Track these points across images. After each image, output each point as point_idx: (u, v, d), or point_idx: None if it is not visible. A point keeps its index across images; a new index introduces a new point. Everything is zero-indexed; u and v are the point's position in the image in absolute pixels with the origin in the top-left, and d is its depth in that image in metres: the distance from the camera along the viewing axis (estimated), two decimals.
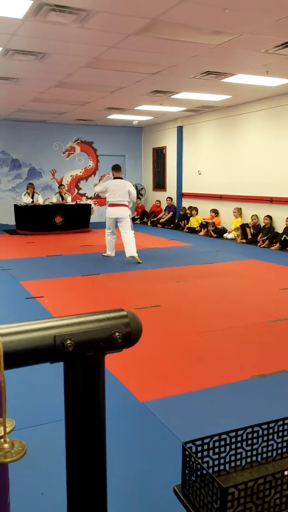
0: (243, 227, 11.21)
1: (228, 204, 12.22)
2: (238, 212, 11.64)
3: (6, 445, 0.95)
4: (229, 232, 11.68)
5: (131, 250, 8.34)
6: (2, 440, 0.95)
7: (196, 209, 13.32)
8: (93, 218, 13.93)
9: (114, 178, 8.81)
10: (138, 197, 16.26)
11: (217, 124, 12.73)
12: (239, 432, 1.45)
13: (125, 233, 8.52)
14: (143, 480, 2.34)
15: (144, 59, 7.25)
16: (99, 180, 15.68)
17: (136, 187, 16.46)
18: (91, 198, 15.76)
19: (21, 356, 0.93)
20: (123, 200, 8.62)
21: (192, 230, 12.98)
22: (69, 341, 0.96)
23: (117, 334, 1.01)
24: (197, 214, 13.24)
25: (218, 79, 8.70)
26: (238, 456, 1.45)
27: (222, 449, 1.42)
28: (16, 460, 0.94)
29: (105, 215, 9.07)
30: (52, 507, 2.11)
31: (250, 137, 11.49)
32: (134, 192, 8.79)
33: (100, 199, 15.83)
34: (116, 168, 8.89)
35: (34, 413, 2.98)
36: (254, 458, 1.49)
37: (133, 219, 15.63)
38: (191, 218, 13.33)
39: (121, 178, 8.88)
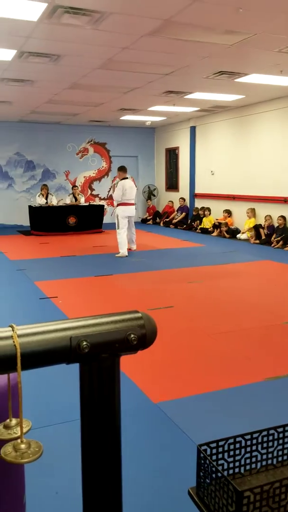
0: (257, 227, 11.15)
1: (241, 205, 12.16)
2: (252, 213, 11.57)
3: (23, 446, 0.96)
4: (243, 233, 11.62)
5: (135, 244, 9.66)
6: (19, 440, 0.96)
7: (209, 209, 13.28)
8: (106, 219, 13.96)
9: (122, 179, 9.28)
10: (150, 198, 16.30)
11: (230, 124, 12.68)
12: (255, 435, 1.44)
13: (132, 232, 9.55)
14: (157, 481, 2.34)
15: (157, 60, 7.25)
16: (112, 181, 15.72)
17: (148, 188, 16.51)
18: (104, 199, 15.80)
19: (38, 357, 0.94)
20: (133, 199, 9.30)
21: (205, 231, 12.94)
22: (85, 343, 0.96)
23: (132, 335, 1.02)
24: (210, 214, 13.20)
25: (232, 79, 8.67)
26: (254, 459, 1.45)
27: (237, 452, 1.41)
28: (32, 461, 0.95)
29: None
30: (66, 507, 2.12)
31: (263, 137, 11.43)
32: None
33: (112, 200, 15.87)
34: (123, 169, 9.45)
35: (50, 412, 3.00)
36: (269, 461, 1.47)
37: (146, 220, 15.72)
38: (204, 219, 13.29)
39: (127, 178, 9.40)
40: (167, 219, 14.90)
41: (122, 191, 9.02)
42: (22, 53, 6.76)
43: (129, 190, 9.09)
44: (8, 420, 1.04)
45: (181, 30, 5.82)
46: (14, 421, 1.04)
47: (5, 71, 7.82)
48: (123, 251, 8.99)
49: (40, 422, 2.82)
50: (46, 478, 2.32)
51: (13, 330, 0.92)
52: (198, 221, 13.55)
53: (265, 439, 1.46)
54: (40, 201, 13.03)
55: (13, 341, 0.90)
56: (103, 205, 13.74)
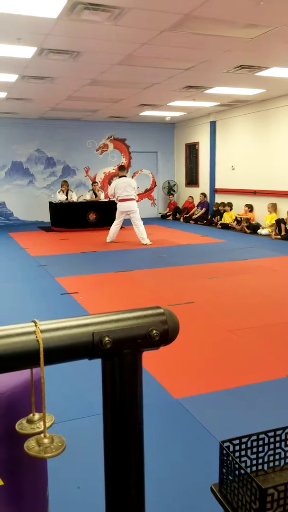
0: (278, 222, 11.02)
1: (262, 200, 12.04)
2: (273, 208, 11.45)
3: (46, 440, 0.96)
4: (263, 228, 11.51)
5: (145, 239, 9.95)
6: (42, 435, 0.97)
7: (229, 204, 13.18)
8: None
9: (120, 177, 10.28)
10: (171, 193, 16.26)
11: (251, 119, 12.54)
12: (278, 432, 1.43)
13: (137, 226, 9.98)
14: (179, 477, 2.33)
15: (177, 55, 7.21)
16: (132, 177, 15.73)
17: (168, 183, 16.46)
18: None
19: (60, 352, 0.94)
20: (130, 194, 9.98)
21: (225, 226, 12.85)
22: (107, 338, 0.96)
23: (154, 331, 1.01)
24: (230, 210, 13.10)
25: (252, 73, 8.57)
26: (277, 457, 1.43)
27: (261, 449, 1.40)
28: (55, 455, 0.95)
29: (138, 212, 10.17)
30: (89, 501, 2.13)
31: (284, 131, 11.28)
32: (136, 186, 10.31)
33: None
34: (121, 168, 10.64)
35: (72, 407, 3.02)
36: None
37: (166, 215, 15.69)
38: (224, 214, 13.20)
39: (125, 176, 10.39)
40: (187, 215, 14.85)
41: (114, 189, 9.96)
42: (42, 50, 6.80)
43: (123, 187, 9.89)
44: (31, 415, 1.05)
45: (201, 25, 5.77)
46: (37, 416, 1.04)
47: (26, 68, 7.88)
48: (110, 239, 10.32)
49: (63, 417, 2.84)
50: (69, 472, 2.34)
51: (36, 325, 0.92)
52: (218, 217, 13.47)
53: None
54: (60, 197, 13.12)
55: (36, 336, 0.90)
56: None
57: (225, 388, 3.30)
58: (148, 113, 13.39)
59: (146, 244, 9.87)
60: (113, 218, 13.17)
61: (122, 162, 15.87)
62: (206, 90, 10.23)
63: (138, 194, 10.95)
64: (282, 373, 3.52)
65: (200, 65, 7.91)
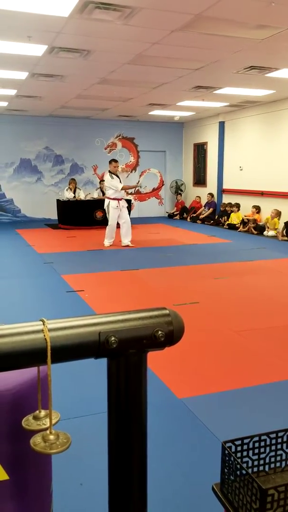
0: (286, 224, 10.99)
1: (270, 201, 12.02)
2: (276, 214, 11.50)
3: (51, 437, 0.98)
4: (268, 231, 11.52)
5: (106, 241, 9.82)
6: (48, 431, 0.99)
7: (237, 205, 13.16)
8: (133, 214, 13.99)
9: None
10: (178, 193, 16.26)
11: (260, 120, 12.52)
12: (280, 434, 1.44)
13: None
14: (181, 476, 2.35)
15: (187, 55, 7.21)
16: (140, 176, 15.74)
17: (176, 183, 16.46)
18: (131, 193, 15.83)
19: (67, 351, 0.97)
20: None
21: (232, 227, 12.84)
22: (113, 338, 0.98)
23: (159, 332, 1.03)
24: (238, 210, 13.09)
25: (262, 74, 8.56)
26: (278, 458, 1.45)
27: (262, 450, 1.42)
28: (60, 451, 0.97)
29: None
30: (91, 498, 2.15)
31: None
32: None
33: (140, 195, 15.90)
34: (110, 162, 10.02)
35: (78, 405, 3.04)
36: None
37: (173, 215, 15.69)
38: (231, 214, 13.19)
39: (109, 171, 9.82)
40: (194, 215, 14.84)
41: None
42: (52, 49, 6.82)
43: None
44: (37, 412, 1.07)
45: (212, 25, 5.77)
46: (43, 413, 1.06)
47: (36, 66, 7.91)
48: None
49: (68, 414, 2.87)
50: (73, 469, 2.36)
51: (43, 324, 0.95)
52: (225, 217, 13.46)
53: None
54: (68, 195, 13.16)
55: (44, 335, 0.93)
56: (130, 200, 13.76)
57: (229, 389, 3.31)
58: (157, 112, 13.40)
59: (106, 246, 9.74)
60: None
61: (131, 161, 15.89)
62: (215, 91, 10.22)
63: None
64: (286, 375, 3.52)
65: (210, 66, 7.91)
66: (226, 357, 3.90)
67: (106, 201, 9.80)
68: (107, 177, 9.75)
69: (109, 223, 9.79)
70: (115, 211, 9.65)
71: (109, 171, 9.74)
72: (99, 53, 7.06)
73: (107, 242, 9.76)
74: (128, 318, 1.03)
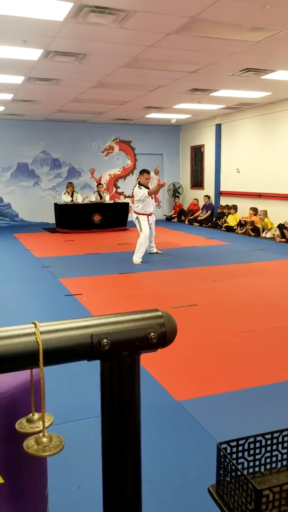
0: (280, 227, 11.01)
1: (267, 203, 12.03)
2: (264, 215, 11.60)
3: (44, 439, 0.98)
4: (266, 232, 11.54)
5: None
6: (41, 434, 0.99)
7: (234, 207, 13.18)
8: (131, 217, 13.99)
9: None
10: (176, 195, 16.27)
11: (256, 122, 12.55)
12: (275, 435, 1.44)
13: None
14: (177, 478, 2.35)
15: (183, 58, 7.23)
16: (137, 179, 15.73)
17: (173, 186, 16.48)
18: (129, 197, 15.85)
19: (60, 353, 0.96)
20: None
21: (230, 229, 12.85)
22: (105, 340, 0.98)
23: (152, 334, 1.03)
24: (235, 212, 13.10)
25: (258, 76, 8.58)
26: (274, 459, 1.44)
27: (258, 451, 1.42)
28: (54, 454, 0.97)
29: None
30: (88, 501, 2.15)
31: None
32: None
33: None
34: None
35: (71, 408, 3.04)
36: None
37: (171, 217, 15.70)
38: (229, 216, 13.20)
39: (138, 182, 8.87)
40: (192, 217, 14.85)
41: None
42: (48, 53, 6.84)
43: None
44: (30, 414, 1.07)
45: (207, 28, 5.79)
46: (36, 416, 1.06)
47: (32, 70, 7.92)
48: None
49: (63, 418, 2.86)
50: (69, 473, 2.35)
51: (35, 327, 0.95)
52: (223, 219, 13.47)
53: (285, 438, 1.46)
54: (65, 199, 13.17)
55: (36, 338, 0.93)
56: (127, 203, 13.79)
57: (227, 391, 3.31)
58: (153, 115, 13.42)
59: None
60: (118, 220, 13.27)
61: (128, 165, 15.91)
62: (211, 93, 10.25)
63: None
64: (284, 376, 3.52)
65: (205, 68, 7.93)
66: (224, 359, 3.90)
67: (134, 215, 8.69)
68: (136, 189, 8.68)
69: (142, 235, 8.39)
70: (146, 222, 8.54)
71: (139, 183, 8.73)
72: (95, 56, 7.08)
73: (138, 259, 8.24)
74: (120, 320, 1.03)
